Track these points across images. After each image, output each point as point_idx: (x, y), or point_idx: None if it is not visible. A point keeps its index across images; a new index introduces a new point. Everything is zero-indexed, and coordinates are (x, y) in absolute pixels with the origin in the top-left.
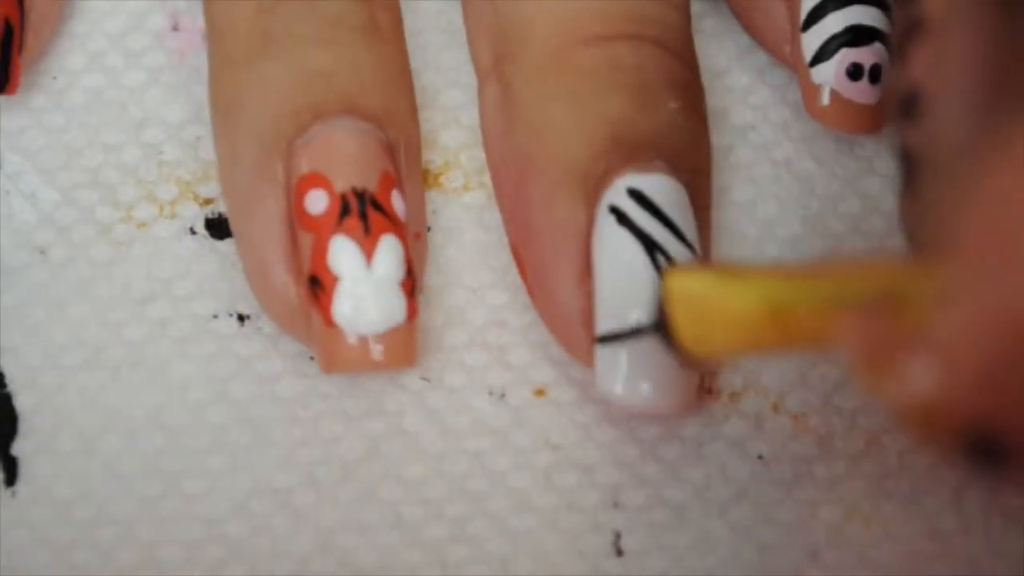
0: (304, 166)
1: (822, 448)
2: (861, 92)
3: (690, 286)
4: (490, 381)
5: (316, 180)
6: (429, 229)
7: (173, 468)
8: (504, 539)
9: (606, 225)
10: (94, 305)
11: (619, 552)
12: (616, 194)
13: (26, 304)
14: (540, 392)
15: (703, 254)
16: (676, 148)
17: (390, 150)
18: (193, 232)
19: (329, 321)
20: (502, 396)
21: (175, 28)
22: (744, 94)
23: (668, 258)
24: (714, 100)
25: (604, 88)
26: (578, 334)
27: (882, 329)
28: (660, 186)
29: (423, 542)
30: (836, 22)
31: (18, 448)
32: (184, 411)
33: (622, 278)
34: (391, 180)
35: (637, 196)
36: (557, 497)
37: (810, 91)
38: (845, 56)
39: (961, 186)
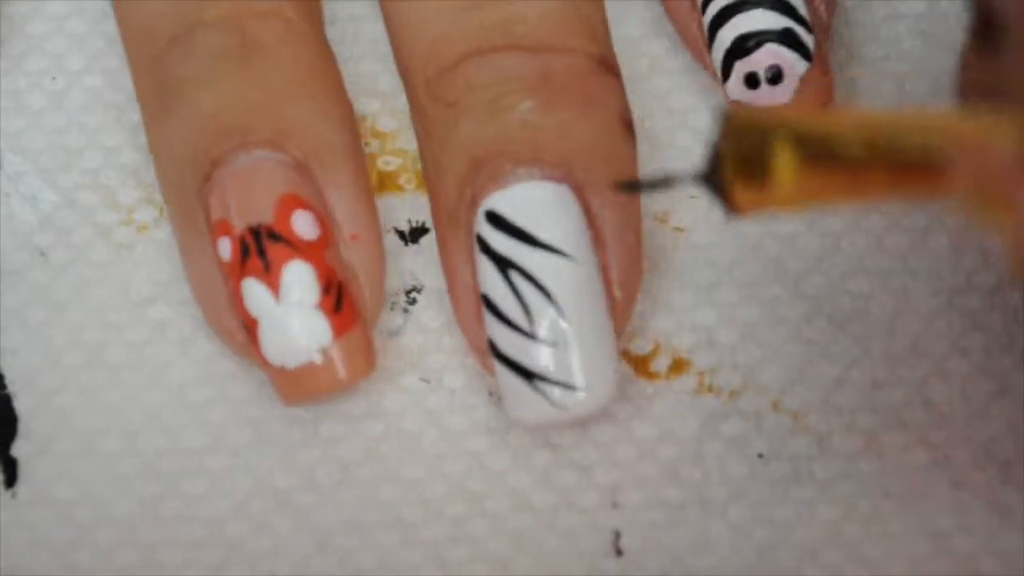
0: (212, 216)
1: (821, 447)
2: (766, 96)
3: (750, 127)
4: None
5: (221, 228)
6: (428, 230)
7: (173, 468)
8: (504, 539)
9: (477, 256)
10: (94, 307)
11: (618, 552)
12: (479, 222)
13: (26, 305)
14: None
15: (623, 243)
16: (536, 148)
17: (295, 167)
18: None
19: (263, 362)
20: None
21: None
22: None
23: (523, 273)
24: (714, 99)
25: (457, 114)
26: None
27: (993, 160)
28: (513, 198)
29: (423, 542)
30: (726, 38)
31: (18, 449)
32: (184, 411)
33: (497, 304)
34: (292, 201)
35: (492, 217)
36: (556, 497)
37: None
38: (739, 69)
39: None
